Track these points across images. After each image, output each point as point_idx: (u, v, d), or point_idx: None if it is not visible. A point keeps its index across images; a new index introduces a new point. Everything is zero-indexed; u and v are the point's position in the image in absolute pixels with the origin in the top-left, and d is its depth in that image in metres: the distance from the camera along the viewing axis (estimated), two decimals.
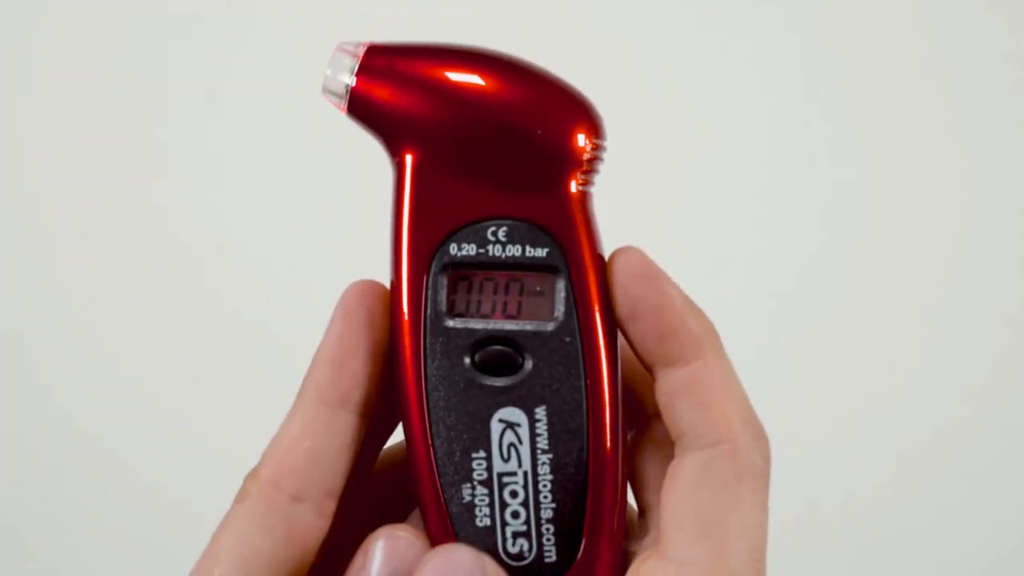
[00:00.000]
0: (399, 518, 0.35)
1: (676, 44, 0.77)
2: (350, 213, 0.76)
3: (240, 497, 0.31)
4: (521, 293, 0.32)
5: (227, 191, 0.77)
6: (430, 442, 0.31)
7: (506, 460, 0.31)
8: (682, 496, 0.30)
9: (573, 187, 0.31)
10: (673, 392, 0.31)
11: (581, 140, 0.31)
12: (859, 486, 0.76)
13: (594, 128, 0.32)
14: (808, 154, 0.76)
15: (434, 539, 0.31)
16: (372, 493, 0.35)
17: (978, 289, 0.76)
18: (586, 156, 0.31)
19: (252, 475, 0.31)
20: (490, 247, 0.31)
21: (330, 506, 0.31)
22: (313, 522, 0.31)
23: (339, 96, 0.32)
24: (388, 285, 0.32)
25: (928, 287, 0.76)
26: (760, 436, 0.31)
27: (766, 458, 0.31)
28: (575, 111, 0.32)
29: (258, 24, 0.77)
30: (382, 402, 0.33)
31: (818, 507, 0.73)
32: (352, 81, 0.32)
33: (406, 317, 0.31)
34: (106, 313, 0.78)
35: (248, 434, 0.80)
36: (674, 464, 0.31)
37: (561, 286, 0.31)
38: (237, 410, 0.77)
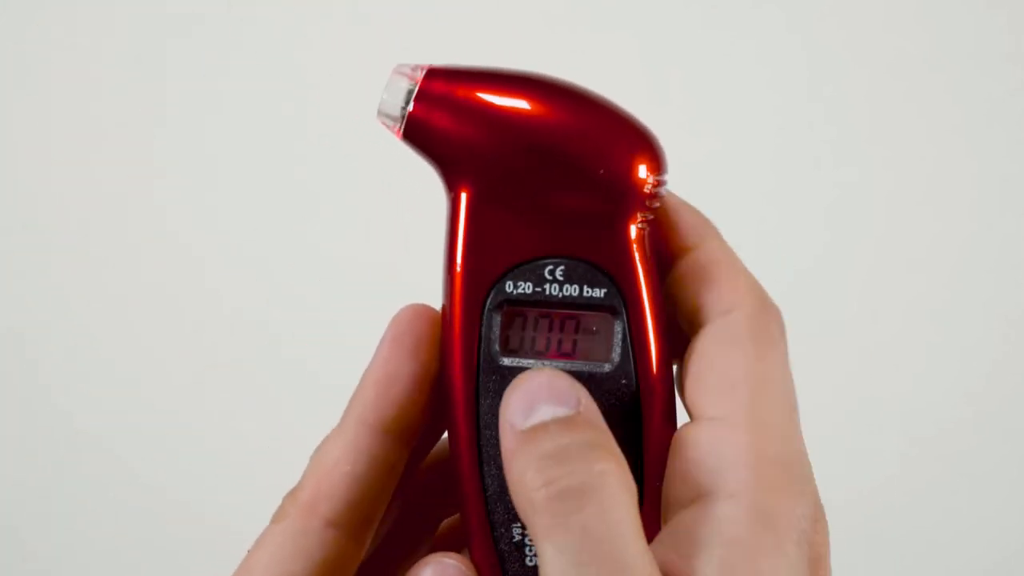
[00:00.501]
0: (432, 512, 0.35)
1: (677, 45, 0.77)
2: (350, 213, 0.76)
3: (278, 516, 0.30)
4: (577, 331, 0.31)
5: (227, 191, 0.77)
6: (480, 482, 0.31)
7: None
8: (698, 360, 0.30)
9: (632, 226, 0.31)
10: (681, 279, 0.31)
11: (643, 173, 0.30)
12: (862, 487, 0.76)
13: (657, 163, 0.31)
14: (811, 155, 0.76)
15: (482, 573, 0.30)
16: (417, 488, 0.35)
17: (981, 290, 0.76)
18: (647, 191, 0.31)
19: (291, 494, 0.31)
20: (547, 286, 0.31)
21: (366, 533, 0.31)
22: (347, 549, 0.30)
23: (395, 120, 0.31)
24: (434, 308, 0.32)
25: (931, 288, 0.76)
26: (770, 306, 0.31)
27: (779, 324, 0.31)
28: (639, 145, 0.31)
29: (258, 24, 0.77)
30: (431, 431, 0.32)
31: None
32: (410, 106, 0.31)
33: (459, 354, 0.31)
34: (106, 313, 0.77)
35: (247, 434, 0.81)
36: (691, 343, 0.31)
37: (618, 328, 0.31)
38: (237, 410, 0.77)
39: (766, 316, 0.31)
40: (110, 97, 0.77)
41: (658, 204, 0.31)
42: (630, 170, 0.30)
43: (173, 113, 0.77)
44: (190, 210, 0.77)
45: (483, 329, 0.31)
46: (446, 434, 0.32)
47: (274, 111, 0.76)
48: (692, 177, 0.75)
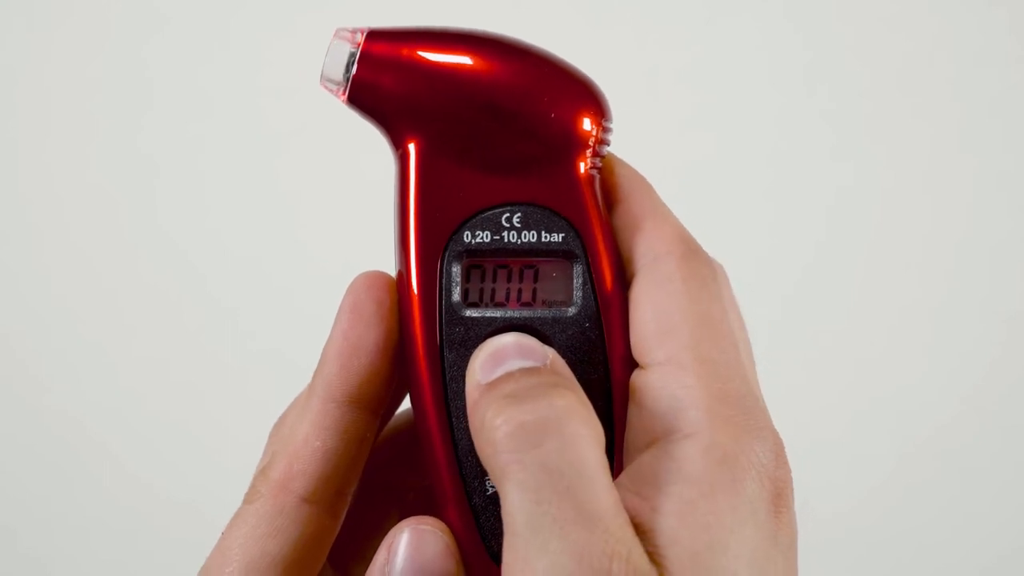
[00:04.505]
0: (398, 482, 0.35)
1: (675, 44, 0.77)
2: (345, 213, 0.76)
3: (250, 497, 0.30)
4: (536, 280, 0.31)
5: (225, 192, 0.77)
6: (450, 436, 0.30)
7: None
8: (635, 308, 0.30)
9: (583, 170, 0.31)
10: (615, 231, 0.32)
11: (588, 124, 0.31)
12: (859, 486, 0.76)
13: (601, 111, 0.31)
14: (809, 156, 0.76)
15: (456, 532, 0.30)
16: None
17: (978, 290, 0.76)
18: (594, 139, 0.31)
19: (262, 474, 0.31)
20: (506, 233, 0.31)
21: (341, 506, 0.31)
22: (324, 522, 0.30)
23: (339, 85, 0.31)
24: (389, 274, 0.31)
25: (928, 288, 0.76)
26: (697, 249, 0.31)
27: (708, 266, 0.31)
28: (582, 95, 0.31)
29: (256, 24, 0.77)
30: (395, 396, 0.32)
31: (818, 508, 0.73)
32: (353, 69, 0.31)
33: (419, 308, 0.30)
34: (106, 314, 0.77)
35: (247, 435, 0.80)
36: (628, 293, 0.31)
37: (579, 271, 0.31)
38: (236, 410, 0.77)
39: (694, 259, 0.30)
40: (109, 97, 0.77)
41: (606, 149, 0.31)
42: (577, 117, 0.31)
43: (171, 114, 0.77)
44: (188, 211, 0.77)
45: (443, 281, 0.30)
46: (407, 401, 0.32)
47: (270, 111, 0.76)
48: (688, 177, 0.75)
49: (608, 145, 0.32)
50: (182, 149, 0.77)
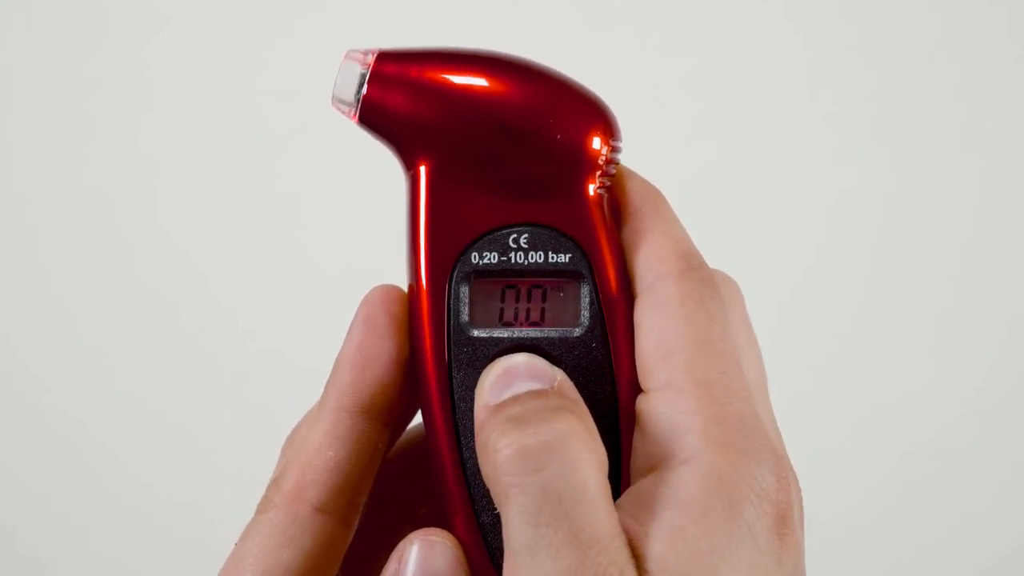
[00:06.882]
0: (410, 496, 0.35)
1: (675, 46, 0.76)
2: (345, 213, 0.76)
3: (263, 507, 0.30)
4: (544, 300, 0.31)
5: (225, 192, 0.77)
6: (458, 455, 0.30)
7: None
8: (637, 330, 0.30)
9: (591, 190, 0.31)
10: (625, 250, 0.31)
11: (597, 143, 0.31)
12: (860, 487, 0.76)
13: (611, 131, 0.31)
14: (811, 158, 0.76)
15: (465, 548, 0.30)
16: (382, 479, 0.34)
17: (980, 291, 0.76)
18: (603, 159, 0.31)
19: (274, 484, 0.31)
20: (512, 254, 0.31)
21: (353, 516, 0.31)
22: (336, 533, 0.30)
23: (350, 105, 0.31)
24: (403, 288, 0.32)
25: (930, 289, 0.76)
26: (697, 268, 0.30)
27: (708, 286, 0.30)
28: (591, 115, 0.31)
29: (256, 24, 0.77)
30: (406, 409, 0.32)
31: (818, 509, 0.72)
32: (363, 90, 0.31)
33: (428, 328, 0.30)
34: (106, 314, 0.77)
35: (247, 435, 0.80)
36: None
37: (586, 291, 0.31)
38: (236, 411, 0.77)
39: (693, 278, 0.30)
40: (108, 98, 0.77)
41: (614, 169, 0.31)
42: (586, 136, 0.31)
43: (171, 114, 0.77)
44: (188, 212, 0.77)
45: (451, 302, 0.31)
46: (419, 416, 0.32)
47: (270, 113, 0.76)
48: (692, 180, 0.75)
49: (617, 164, 0.32)
50: (182, 149, 0.77)
